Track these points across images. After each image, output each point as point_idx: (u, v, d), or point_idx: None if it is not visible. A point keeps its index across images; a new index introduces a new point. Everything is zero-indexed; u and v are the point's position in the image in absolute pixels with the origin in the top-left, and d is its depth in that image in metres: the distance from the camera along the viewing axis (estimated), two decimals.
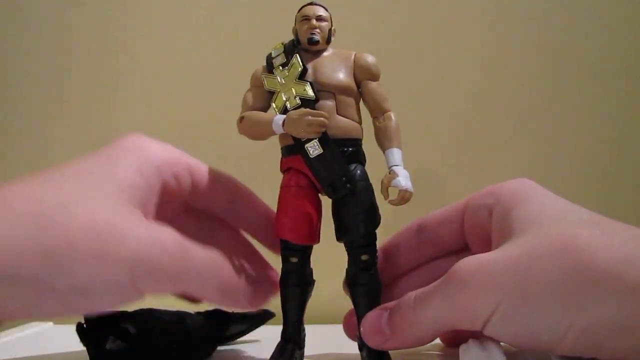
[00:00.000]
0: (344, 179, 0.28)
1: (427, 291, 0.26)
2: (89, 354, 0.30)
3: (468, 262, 0.24)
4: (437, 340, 0.35)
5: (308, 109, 0.28)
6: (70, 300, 0.21)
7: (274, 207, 0.30)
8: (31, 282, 0.20)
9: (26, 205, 0.21)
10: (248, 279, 0.26)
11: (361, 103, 0.31)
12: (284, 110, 0.29)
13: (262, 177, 0.40)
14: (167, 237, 0.23)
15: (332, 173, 0.28)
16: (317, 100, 0.29)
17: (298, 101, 0.28)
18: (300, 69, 0.29)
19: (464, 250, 0.32)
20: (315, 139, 0.28)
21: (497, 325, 0.23)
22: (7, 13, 0.50)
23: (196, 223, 0.32)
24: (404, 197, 0.28)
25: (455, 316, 0.24)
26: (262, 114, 0.30)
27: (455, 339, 0.33)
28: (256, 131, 0.30)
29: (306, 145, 0.28)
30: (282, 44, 0.31)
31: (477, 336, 0.27)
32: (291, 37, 0.31)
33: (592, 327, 0.21)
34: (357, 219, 0.29)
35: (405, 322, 0.26)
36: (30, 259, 0.20)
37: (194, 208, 0.31)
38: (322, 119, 0.27)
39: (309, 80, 0.29)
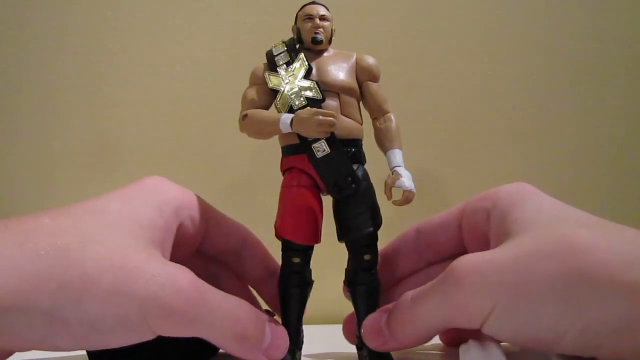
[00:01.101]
0: (349, 179, 0.28)
1: (424, 290, 0.26)
2: (88, 354, 0.30)
3: (465, 261, 0.24)
4: (437, 341, 0.35)
5: (318, 109, 0.28)
6: (82, 335, 0.21)
7: (274, 207, 0.30)
8: (45, 314, 0.20)
9: (47, 238, 0.22)
10: (265, 330, 0.26)
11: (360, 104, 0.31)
12: (289, 110, 0.28)
13: (262, 177, 0.41)
14: (184, 277, 0.23)
15: (338, 173, 0.28)
16: (323, 99, 0.29)
17: (304, 101, 0.28)
18: (305, 68, 0.29)
19: (462, 254, 0.32)
20: (323, 139, 0.28)
21: (496, 324, 0.23)
22: (6, 13, 0.49)
23: (205, 267, 0.32)
24: (407, 198, 0.28)
25: (453, 314, 0.24)
26: (266, 112, 0.30)
27: (455, 339, 0.33)
28: (260, 130, 0.29)
29: (313, 145, 0.28)
30: (283, 42, 0.31)
31: (477, 336, 0.27)
32: (288, 34, 0.31)
33: (592, 326, 0.21)
34: (361, 219, 0.29)
35: (403, 321, 0.26)
36: (46, 292, 0.20)
37: (203, 252, 0.32)
38: (331, 119, 0.27)
39: (314, 79, 0.29)
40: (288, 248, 0.29)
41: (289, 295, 0.29)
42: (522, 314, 0.22)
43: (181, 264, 0.25)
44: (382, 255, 0.33)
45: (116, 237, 0.23)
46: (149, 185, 0.28)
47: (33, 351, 0.22)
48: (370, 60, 0.31)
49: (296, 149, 0.29)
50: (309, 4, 0.31)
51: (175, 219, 0.27)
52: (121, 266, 0.22)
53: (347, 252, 0.30)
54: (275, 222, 0.30)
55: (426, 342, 0.27)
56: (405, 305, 0.26)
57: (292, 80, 0.29)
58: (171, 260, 0.27)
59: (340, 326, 0.34)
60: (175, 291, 0.22)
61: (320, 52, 0.31)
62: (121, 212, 0.25)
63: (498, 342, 0.26)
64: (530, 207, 0.27)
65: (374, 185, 0.30)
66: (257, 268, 0.33)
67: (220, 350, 0.35)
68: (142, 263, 0.22)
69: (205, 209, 0.30)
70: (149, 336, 0.23)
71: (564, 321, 0.22)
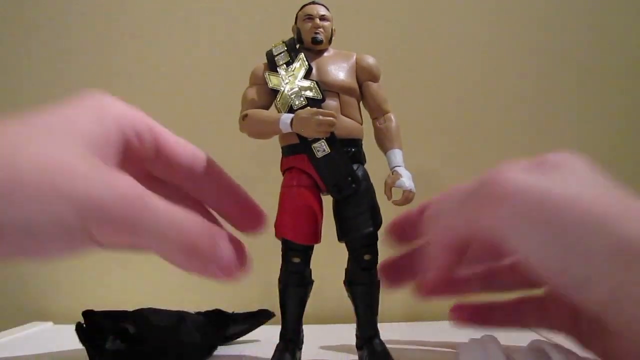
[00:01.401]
0: (349, 179, 0.28)
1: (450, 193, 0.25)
2: (88, 353, 0.30)
3: (505, 171, 0.23)
4: (438, 340, 0.35)
5: (318, 109, 0.28)
6: (17, 240, 0.20)
7: (274, 207, 0.30)
8: None
9: None
10: (220, 244, 0.23)
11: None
12: (289, 110, 0.29)
13: (262, 177, 0.41)
14: (125, 181, 0.22)
15: (338, 173, 0.28)
16: (323, 99, 0.29)
17: (304, 101, 0.28)
18: (305, 68, 0.29)
19: None
20: (323, 139, 0.28)
21: (537, 252, 0.22)
22: (7, 14, 0.50)
23: (159, 190, 0.30)
24: (407, 198, 0.29)
25: (480, 218, 0.23)
26: (266, 112, 0.30)
27: (466, 315, 0.31)
28: (261, 129, 0.29)
29: (313, 145, 0.28)
30: (283, 41, 0.31)
31: (478, 334, 0.27)
32: (288, 34, 0.31)
33: (623, 290, 0.21)
34: (361, 219, 0.29)
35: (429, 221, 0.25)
36: None
37: (155, 176, 0.29)
38: (331, 118, 0.27)
39: (314, 79, 0.29)
40: (288, 248, 0.29)
41: (289, 295, 0.29)
42: (564, 250, 0.21)
43: None
44: (426, 206, 0.31)
45: (50, 141, 0.22)
46: (88, 97, 0.26)
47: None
48: (370, 60, 0.31)
49: (296, 149, 0.29)
50: (309, 4, 0.31)
51: (117, 130, 0.25)
52: (56, 167, 0.21)
53: (347, 252, 0.30)
54: (275, 222, 0.30)
55: (456, 260, 0.24)
56: (428, 214, 0.25)
57: (292, 80, 0.29)
58: None
59: (340, 326, 0.34)
60: (115, 194, 0.21)
61: (320, 52, 0.31)
62: (56, 120, 0.23)
63: (498, 341, 0.26)
64: (583, 164, 0.26)
65: (374, 185, 0.30)
66: (214, 187, 0.31)
67: (219, 348, 0.35)
68: (79, 164, 0.21)
69: (153, 126, 0.29)
70: (90, 244, 0.22)
71: (609, 272, 0.20)
